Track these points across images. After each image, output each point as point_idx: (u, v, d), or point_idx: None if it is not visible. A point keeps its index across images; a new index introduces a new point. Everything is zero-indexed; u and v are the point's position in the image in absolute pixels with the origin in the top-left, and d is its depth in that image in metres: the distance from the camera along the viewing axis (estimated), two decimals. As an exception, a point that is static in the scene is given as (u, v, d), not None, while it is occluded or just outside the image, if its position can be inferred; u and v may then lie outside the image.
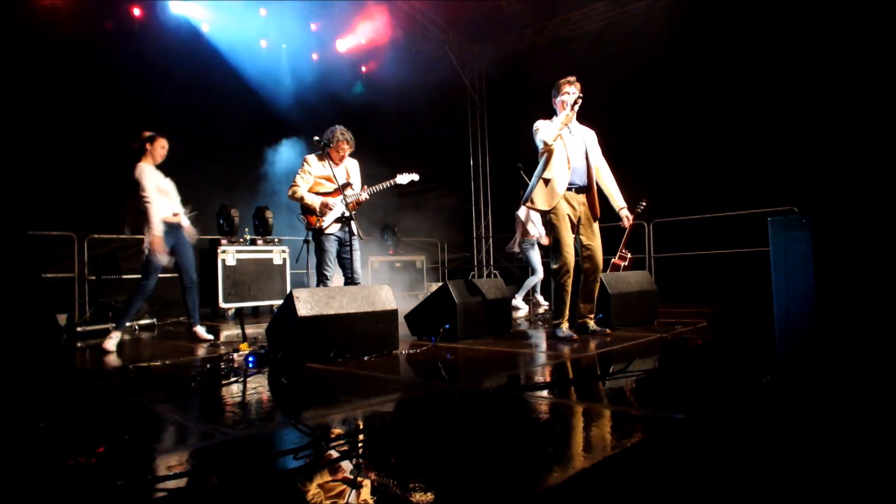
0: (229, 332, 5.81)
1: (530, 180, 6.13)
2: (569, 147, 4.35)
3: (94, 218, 6.77)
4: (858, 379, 2.13)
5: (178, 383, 3.09)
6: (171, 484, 1.59)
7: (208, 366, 3.60)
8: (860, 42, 6.71)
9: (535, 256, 7.41)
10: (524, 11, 10.03)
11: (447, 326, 4.41)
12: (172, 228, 4.80)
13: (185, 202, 5.00)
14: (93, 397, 2.86)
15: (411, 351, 3.96)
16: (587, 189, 4.41)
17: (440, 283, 4.75)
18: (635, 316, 4.92)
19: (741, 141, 7.77)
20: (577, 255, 4.43)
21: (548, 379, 3.00)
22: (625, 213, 4.58)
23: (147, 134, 4.81)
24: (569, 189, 4.34)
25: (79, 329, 5.71)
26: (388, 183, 4.88)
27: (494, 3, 9.67)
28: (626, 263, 7.30)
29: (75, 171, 6.71)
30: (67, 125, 6.82)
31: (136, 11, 7.74)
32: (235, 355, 3.80)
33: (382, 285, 4.16)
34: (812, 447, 1.75)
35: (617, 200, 4.57)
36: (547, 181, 4.33)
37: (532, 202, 4.36)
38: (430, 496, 1.45)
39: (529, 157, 6.87)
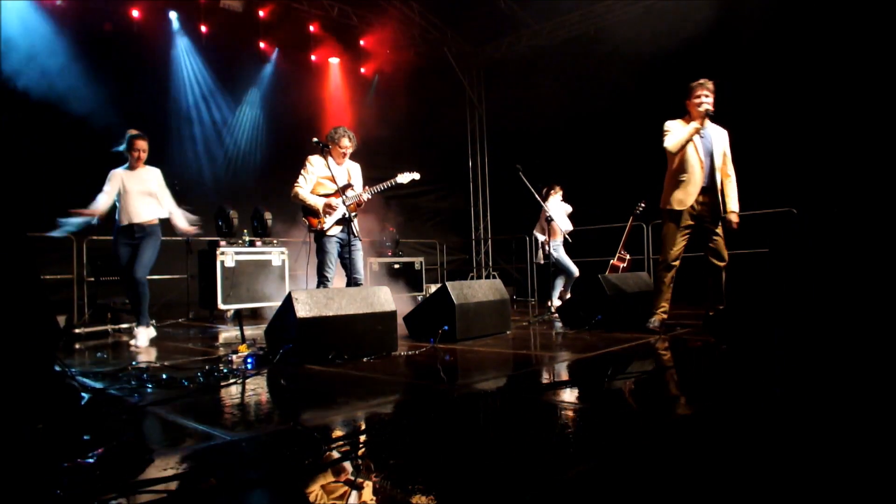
0: (228, 333, 5.81)
1: (529, 182, 6.17)
2: (699, 148, 4.46)
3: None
4: (855, 374, 2.13)
5: (176, 384, 3.09)
6: (169, 485, 1.59)
7: (207, 367, 3.60)
8: (857, 44, 6.73)
9: (565, 256, 7.27)
10: (522, 13, 10.05)
11: (446, 328, 4.41)
12: (131, 228, 4.78)
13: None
14: (91, 398, 2.85)
15: (410, 352, 3.96)
16: (710, 189, 4.48)
17: (439, 285, 4.75)
18: (634, 317, 4.92)
19: (739, 142, 7.78)
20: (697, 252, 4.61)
21: (546, 380, 3.00)
22: (733, 218, 4.56)
23: (128, 133, 4.80)
24: (701, 190, 4.45)
25: (77, 330, 5.70)
26: (389, 182, 4.88)
27: (493, 4, 9.69)
28: (625, 265, 7.30)
29: (75, 173, 6.70)
30: (67, 126, 6.82)
31: (135, 14, 7.74)
32: (234, 356, 3.80)
33: (381, 287, 4.16)
34: (809, 447, 1.76)
35: (729, 204, 4.58)
36: (680, 182, 4.47)
37: (668, 202, 4.51)
38: (429, 497, 1.45)
39: (528, 159, 6.90)
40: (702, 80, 4.51)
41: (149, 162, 4.92)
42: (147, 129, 4.87)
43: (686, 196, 4.45)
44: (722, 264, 4.51)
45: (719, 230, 4.50)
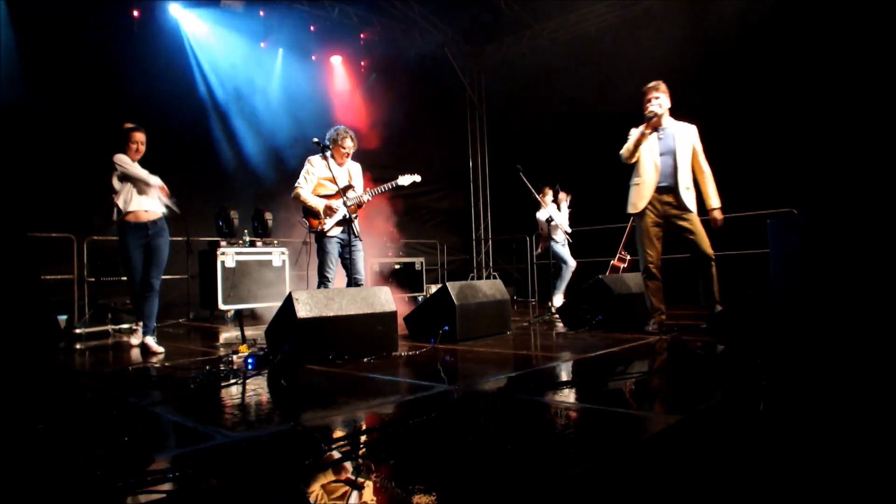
0: (228, 333, 5.81)
1: (530, 183, 6.18)
2: (654, 150, 4.46)
3: (93, 220, 6.76)
4: (855, 376, 2.13)
5: (177, 385, 3.09)
6: (170, 485, 1.59)
7: (208, 367, 3.60)
8: (858, 45, 6.73)
9: (563, 251, 7.25)
10: (523, 13, 10.05)
11: (446, 328, 4.41)
12: (144, 226, 4.54)
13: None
14: (92, 399, 2.86)
15: (410, 353, 3.96)
16: (673, 189, 4.42)
17: (440, 285, 4.75)
18: (635, 318, 4.91)
19: (739, 143, 7.78)
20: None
21: (547, 381, 3.00)
22: (716, 215, 4.45)
23: (125, 127, 4.60)
24: (657, 191, 4.44)
25: (78, 331, 5.71)
26: (390, 184, 4.88)
27: (494, 4, 9.69)
28: (626, 265, 7.30)
29: (75, 173, 6.70)
30: (67, 126, 6.82)
31: (135, 13, 7.74)
32: (235, 357, 3.80)
33: (382, 287, 4.16)
34: (809, 448, 1.75)
35: (709, 201, 4.46)
36: (635, 186, 4.53)
37: (627, 207, 4.60)
38: (430, 497, 1.45)
39: (528, 159, 6.90)
40: (651, 84, 4.48)
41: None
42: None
43: (639, 199, 4.47)
44: (705, 263, 4.39)
45: (693, 227, 4.38)
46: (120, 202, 4.53)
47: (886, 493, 1.43)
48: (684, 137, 4.47)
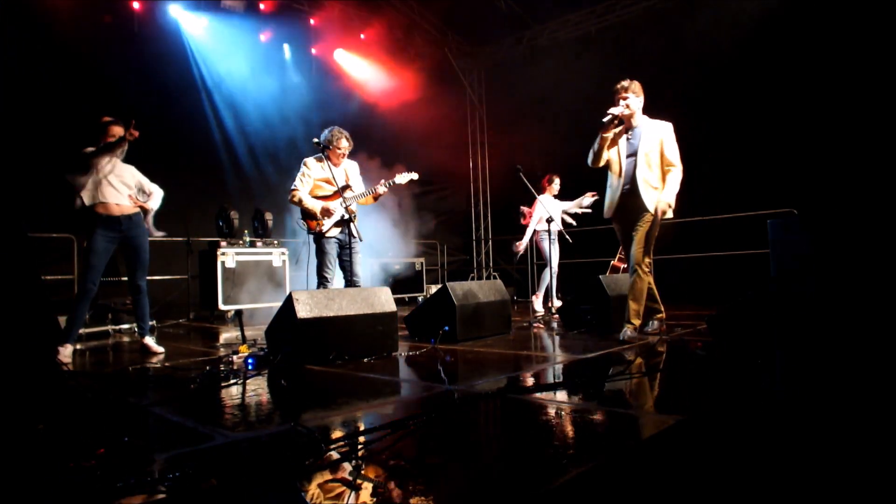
0: (228, 333, 5.81)
1: (530, 183, 6.18)
2: (622, 152, 4.37)
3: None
4: (855, 375, 2.13)
5: (177, 385, 3.09)
6: (170, 485, 1.59)
7: (208, 367, 3.60)
8: (858, 45, 6.73)
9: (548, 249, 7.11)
10: (523, 14, 10.05)
11: (446, 328, 4.41)
12: (116, 220, 4.36)
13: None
14: (92, 399, 2.85)
15: (410, 353, 3.96)
16: (632, 191, 4.26)
17: (440, 286, 4.75)
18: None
19: (739, 143, 7.78)
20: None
21: (546, 381, 3.00)
22: (660, 206, 4.14)
23: (102, 120, 4.46)
24: (622, 195, 4.33)
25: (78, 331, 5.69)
26: (389, 182, 4.88)
27: (493, 5, 9.69)
28: (626, 266, 7.29)
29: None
30: (67, 126, 6.82)
31: (136, 4, 7.73)
32: (235, 357, 3.80)
33: (382, 287, 4.16)
34: (809, 448, 1.75)
35: (661, 193, 4.19)
36: (607, 191, 4.49)
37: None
38: (429, 498, 1.45)
39: (528, 159, 6.90)
40: (621, 84, 4.29)
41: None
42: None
43: (611, 203, 4.43)
44: (630, 266, 4.29)
45: (639, 224, 4.21)
46: (85, 194, 4.32)
47: (887, 492, 1.42)
48: (651, 136, 4.24)
